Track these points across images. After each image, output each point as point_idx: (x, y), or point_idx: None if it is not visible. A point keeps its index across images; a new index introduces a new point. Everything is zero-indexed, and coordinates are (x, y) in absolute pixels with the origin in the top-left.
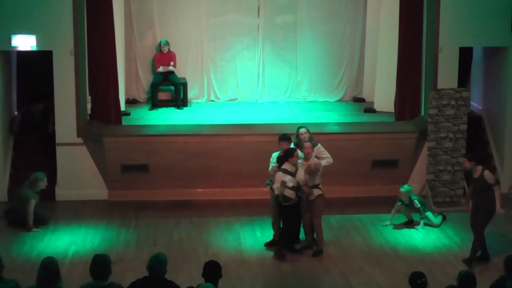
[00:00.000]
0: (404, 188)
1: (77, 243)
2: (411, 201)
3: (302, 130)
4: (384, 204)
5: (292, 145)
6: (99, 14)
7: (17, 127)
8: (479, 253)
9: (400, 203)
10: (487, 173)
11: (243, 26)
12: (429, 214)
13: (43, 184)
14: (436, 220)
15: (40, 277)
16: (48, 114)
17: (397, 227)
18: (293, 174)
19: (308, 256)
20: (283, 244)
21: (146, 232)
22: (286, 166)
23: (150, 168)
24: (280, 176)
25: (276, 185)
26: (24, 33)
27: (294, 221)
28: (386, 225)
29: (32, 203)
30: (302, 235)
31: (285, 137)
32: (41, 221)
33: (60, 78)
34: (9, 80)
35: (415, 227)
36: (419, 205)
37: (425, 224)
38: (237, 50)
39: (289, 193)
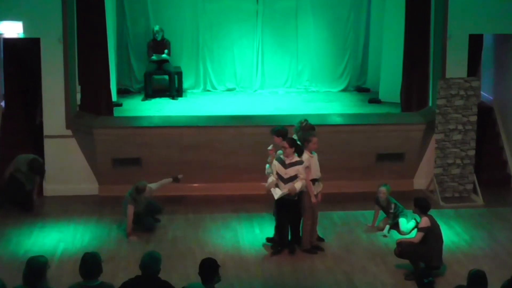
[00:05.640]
0: (384, 186)
1: (66, 240)
2: (388, 203)
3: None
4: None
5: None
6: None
7: None
8: (422, 265)
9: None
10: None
11: (241, 12)
12: (402, 220)
13: (147, 193)
14: (407, 226)
15: (26, 276)
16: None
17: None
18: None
19: (309, 255)
20: (281, 244)
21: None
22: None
23: (143, 161)
24: (302, 169)
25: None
26: (10, 19)
27: (290, 218)
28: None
29: (131, 208)
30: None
31: (273, 131)
32: (147, 227)
33: (48, 67)
34: None
35: (384, 233)
36: (392, 210)
37: (391, 229)
38: (235, 37)
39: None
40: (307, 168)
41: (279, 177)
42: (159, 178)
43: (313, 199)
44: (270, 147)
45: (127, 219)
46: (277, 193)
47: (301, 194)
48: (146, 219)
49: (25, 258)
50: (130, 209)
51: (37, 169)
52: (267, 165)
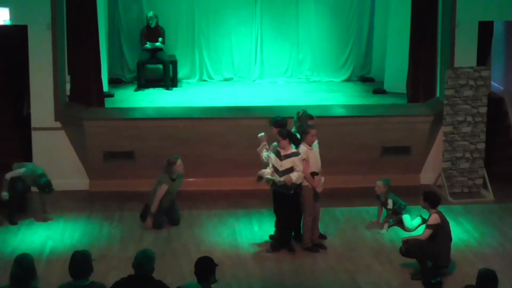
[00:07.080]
0: (382, 180)
1: (55, 238)
2: (386, 200)
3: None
4: (394, 195)
5: (294, 131)
6: None
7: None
8: (430, 264)
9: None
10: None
11: None
12: (406, 217)
13: (178, 167)
14: (413, 222)
15: (13, 276)
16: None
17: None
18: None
19: (311, 253)
20: (282, 242)
21: (131, 226)
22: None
23: (136, 155)
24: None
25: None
26: None
27: (291, 214)
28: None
29: (165, 188)
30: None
31: (272, 122)
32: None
33: (36, 56)
34: None
35: (381, 231)
36: (390, 206)
37: (395, 225)
38: (233, 25)
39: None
40: (305, 161)
41: (275, 169)
42: (152, 172)
43: (319, 189)
44: (261, 134)
45: (155, 198)
46: (265, 174)
47: (300, 189)
48: (158, 216)
49: (12, 257)
50: (163, 188)
51: (48, 191)
52: (265, 154)
